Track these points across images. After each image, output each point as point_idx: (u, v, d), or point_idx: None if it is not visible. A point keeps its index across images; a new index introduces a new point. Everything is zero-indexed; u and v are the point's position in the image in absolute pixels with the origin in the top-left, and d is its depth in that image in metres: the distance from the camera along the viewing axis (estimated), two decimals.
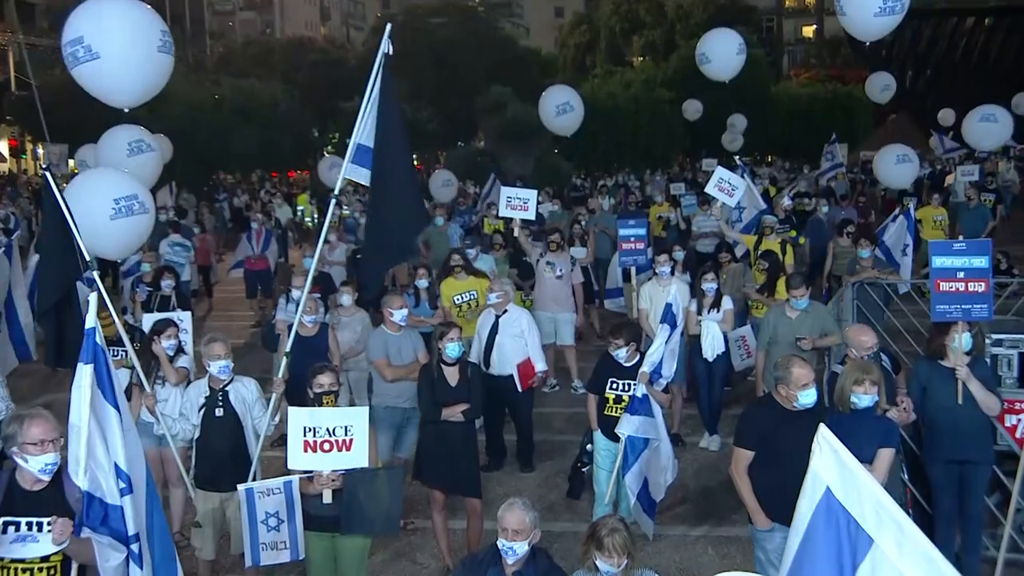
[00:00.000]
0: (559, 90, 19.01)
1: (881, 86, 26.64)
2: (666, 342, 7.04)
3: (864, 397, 5.48)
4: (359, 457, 5.31)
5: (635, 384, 6.90)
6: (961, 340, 6.24)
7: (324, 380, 5.93)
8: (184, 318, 8.20)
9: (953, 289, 6.22)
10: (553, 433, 9.73)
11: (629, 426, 6.81)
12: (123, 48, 8.49)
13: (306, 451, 5.30)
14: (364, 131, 6.46)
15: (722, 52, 15.81)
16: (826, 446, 3.16)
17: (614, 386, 7.08)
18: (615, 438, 6.95)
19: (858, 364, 5.77)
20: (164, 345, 7.26)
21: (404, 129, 6.69)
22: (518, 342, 8.68)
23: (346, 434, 5.26)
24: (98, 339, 4.55)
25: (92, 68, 8.47)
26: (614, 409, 7.05)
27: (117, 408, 4.57)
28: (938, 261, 6.35)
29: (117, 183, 8.72)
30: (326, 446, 5.28)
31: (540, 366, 8.78)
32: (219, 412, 6.30)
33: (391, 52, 6.40)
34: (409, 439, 7.87)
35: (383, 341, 7.90)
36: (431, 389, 6.84)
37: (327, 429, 5.26)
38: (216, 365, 6.27)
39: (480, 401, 6.90)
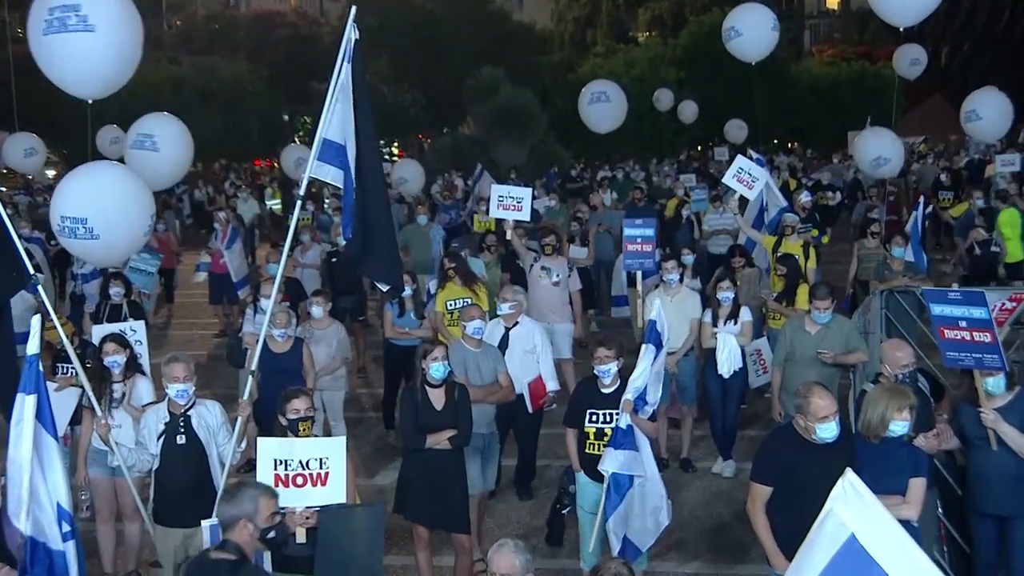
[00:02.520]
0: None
1: (910, 60, 26.65)
2: (651, 364, 6.86)
3: (903, 424, 5.56)
4: (336, 492, 5.35)
5: (618, 414, 6.70)
6: (982, 382, 6.24)
7: (299, 405, 5.98)
8: (137, 328, 8.20)
9: (959, 337, 6.26)
10: (552, 457, 9.73)
11: (613, 462, 6.59)
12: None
13: (277, 485, 5.32)
14: (331, 126, 6.51)
15: (755, 28, 15.84)
16: (851, 491, 3.21)
17: (594, 418, 6.88)
18: (598, 477, 6.75)
19: (895, 389, 5.77)
20: (107, 361, 7.23)
21: (374, 129, 6.72)
22: (530, 358, 8.66)
23: (321, 467, 5.30)
24: (40, 367, 4.56)
25: None
26: (596, 446, 6.84)
27: (57, 440, 4.59)
28: (936, 309, 6.41)
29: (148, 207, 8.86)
30: (299, 480, 5.32)
31: (552, 384, 8.78)
32: (181, 440, 6.32)
33: (358, 37, 6.46)
34: (491, 469, 7.86)
35: (462, 357, 7.74)
36: (414, 414, 6.83)
37: (300, 462, 5.31)
38: (174, 388, 6.28)
39: (469, 427, 6.89)
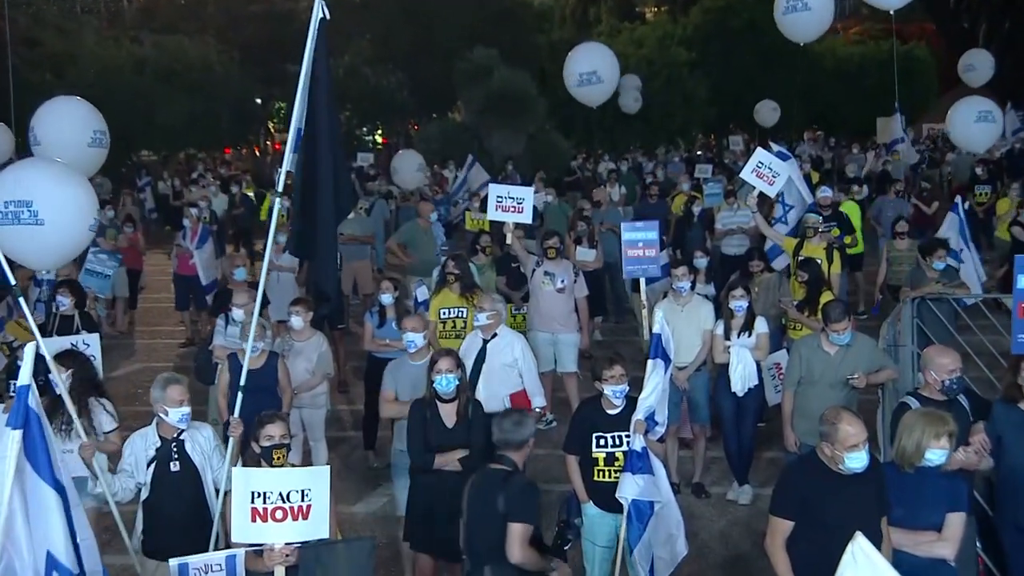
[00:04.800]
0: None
1: (976, 65, 27.00)
2: (661, 381, 6.93)
3: (940, 452, 5.56)
4: (318, 527, 5.33)
5: (631, 436, 6.74)
6: None
7: (274, 431, 6.00)
8: (91, 342, 8.21)
9: None
10: (552, 482, 9.72)
11: (632, 487, 6.63)
12: None
13: (254, 520, 5.29)
14: (302, 113, 6.57)
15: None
16: (862, 558, 3.27)
17: (602, 442, 6.90)
18: (610, 507, 6.79)
19: (932, 414, 5.76)
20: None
21: (335, 113, 6.77)
22: (509, 372, 8.69)
23: (303, 499, 5.26)
24: (31, 402, 4.54)
25: None
26: (607, 472, 6.88)
27: (57, 489, 4.56)
28: (1023, 280, 6.41)
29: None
30: (278, 514, 5.27)
31: (538, 400, 8.80)
32: (175, 467, 6.38)
33: (326, 15, 6.53)
34: None
35: (394, 371, 7.93)
36: (423, 431, 6.82)
37: (280, 494, 5.26)
38: (177, 413, 6.32)
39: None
